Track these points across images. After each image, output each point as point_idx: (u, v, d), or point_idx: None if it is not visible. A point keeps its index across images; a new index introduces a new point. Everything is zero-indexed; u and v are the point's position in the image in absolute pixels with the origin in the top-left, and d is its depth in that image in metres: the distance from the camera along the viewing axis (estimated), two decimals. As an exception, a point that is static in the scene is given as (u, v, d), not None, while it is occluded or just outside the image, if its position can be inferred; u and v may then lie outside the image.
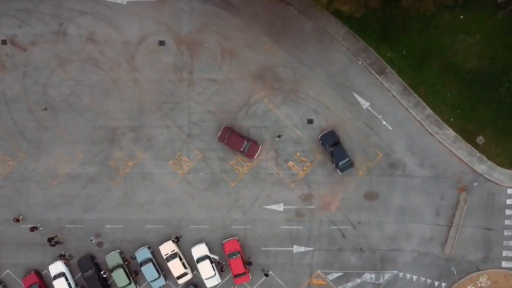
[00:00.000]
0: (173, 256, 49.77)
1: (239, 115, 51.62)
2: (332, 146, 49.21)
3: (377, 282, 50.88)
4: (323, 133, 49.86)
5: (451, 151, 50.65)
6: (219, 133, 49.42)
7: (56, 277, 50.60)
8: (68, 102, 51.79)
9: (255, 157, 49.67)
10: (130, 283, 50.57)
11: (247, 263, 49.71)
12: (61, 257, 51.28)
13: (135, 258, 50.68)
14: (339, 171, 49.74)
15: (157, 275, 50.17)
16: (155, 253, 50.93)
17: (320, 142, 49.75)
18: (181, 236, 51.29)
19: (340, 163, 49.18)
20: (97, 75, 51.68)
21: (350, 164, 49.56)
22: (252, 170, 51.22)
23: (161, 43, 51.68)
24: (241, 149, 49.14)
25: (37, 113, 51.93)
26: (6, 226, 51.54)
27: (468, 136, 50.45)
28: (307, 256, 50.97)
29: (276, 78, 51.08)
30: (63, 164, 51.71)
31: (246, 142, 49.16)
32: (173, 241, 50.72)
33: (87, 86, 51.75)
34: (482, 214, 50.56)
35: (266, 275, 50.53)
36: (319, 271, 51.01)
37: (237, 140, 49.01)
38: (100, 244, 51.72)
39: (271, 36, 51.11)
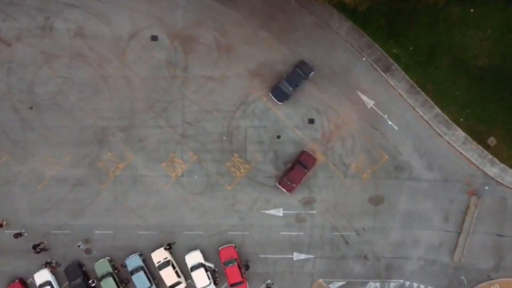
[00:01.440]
0: (165, 264, 48.23)
1: (236, 115, 50.48)
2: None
3: (382, 291, 50.29)
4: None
5: (461, 153, 49.74)
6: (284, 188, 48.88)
7: (41, 286, 48.91)
8: (55, 100, 50.48)
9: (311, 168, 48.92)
10: (120, 293, 49.48)
11: (244, 266, 48.46)
12: (47, 264, 49.64)
13: (125, 266, 49.10)
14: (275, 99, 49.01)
15: (148, 284, 48.52)
16: (147, 260, 49.51)
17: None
18: (174, 243, 49.63)
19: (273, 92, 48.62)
20: (86, 72, 50.51)
21: (283, 93, 48.41)
22: (250, 173, 50.02)
23: (154, 38, 50.54)
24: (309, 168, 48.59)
25: (22, 112, 50.70)
26: (-11, 232, 50.74)
27: (479, 137, 49.59)
28: (308, 264, 49.70)
29: (276, 76, 50.04)
30: (50, 166, 50.34)
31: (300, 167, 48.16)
32: (165, 249, 49.06)
33: (75, 83, 50.52)
34: (493, 219, 49.50)
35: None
36: (320, 280, 49.82)
37: (298, 174, 48.29)
38: (88, 251, 50.16)
39: (271, 31, 50.27)
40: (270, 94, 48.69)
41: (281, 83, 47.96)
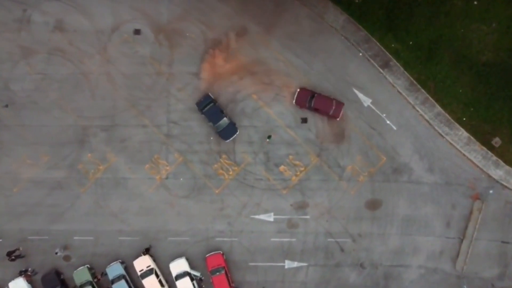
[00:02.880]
0: (148, 272, 47.16)
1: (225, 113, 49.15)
2: (204, 107, 47.45)
3: (379, 302, 48.56)
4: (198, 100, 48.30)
5: (464, 155, 48.64)
6: (295, 97, 47.52)
7: (17, 295, 47.86)
8: (32, 98, 49.54)
9: (340, 116, 47.65)
10: (100, 303, 47.59)
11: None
12: (23, 273, 48.56)
13: (106, 274, 47.94)
14: (222, 139, 48.10)
15: (130, 294, 47.17)
16: (129, 268, 48.51)
17: (199, 109, 48.23)
18: (150, 247, 48.42)
19: (216, 125, 47.33)
20: (65, 68, 49.54)
21: (231, 127, 47.57)
22: (239, 175, 48.89)
23: (137, 32, 49.63)
24: (330, 113, 47.22)
25: (-2, 110, 49.00)
26: (-39, 238, 48.96)
27: (483, 138, 48.54)
28: (300, 272, 48.48)
29: (267, 72, 48.99)
30: (27, 168, 49.31)
31: (333, 102, 47.20)
32: (143, 254, 47.67)
33: (54, 80, 49.56)
34: (498, 225, 48.30)
35: None
36: (314, 289, 48.37)
37: (324, 102, 46.90)
38: (67, 258, 49.09)
39: (262, 24, 49.12)
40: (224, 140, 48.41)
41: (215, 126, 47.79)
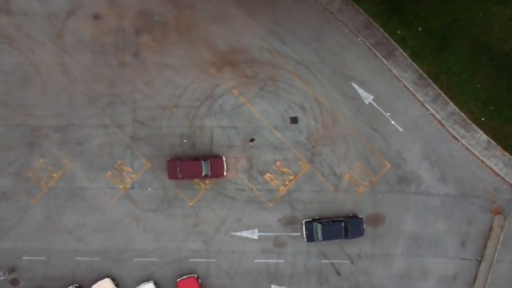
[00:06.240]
0: None
1: (200, 112, 45.97)
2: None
3: (382, 335, 46.76)
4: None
5: (482, 161, 46.07)
6: (167, 171, 44.83)
7: (-46, 326, 44.53)
8: None
9: (225, 173, 44.94)
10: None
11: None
12: None
13: None
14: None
15: (87, 325, 44.53)
16: None
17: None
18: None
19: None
20: (12, 58, 46.44)
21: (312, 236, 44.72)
22: (217, 185, 45.63)
23: (97, 16, 46.30)
24: (203, 174, 44.12)
25: None
26: None
27: (505, 141, 45.93)
28: None
29: (250, 63, 46.23)
30: None
31: (202, 162, 44.25)
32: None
33: None
34: None
35: None
36: (305, 319, 46.59)
37: (191, 166, 44.25)
38: (14, 282, 46.26)
39: (244, 7, 46.14)
40: (303, 223, 45.17)
41: (315, 225, 44.36)
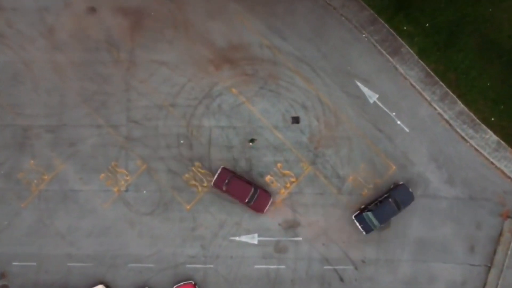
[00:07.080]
0: None
1: (198, 111, 45.37)
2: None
3: None
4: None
5: (492, 163, 45.54)
6: (215, 177, 44.54)
7: None
8: None
9: (265, 211, 44.39)
10: None
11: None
12: None
13: None
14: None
15: (80, 333, 43.35)
16: None
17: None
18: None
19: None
20: (2, 55, 45.91)
21: (367, 225, 44.50)
22: (215, 188, 44.73)
23: (91, 10, 45.83)
24: (246, 200, 43.86)
25: None
26: None
27: None
28: None
29: (250, 61, 45.79)
30: None
31: (253, 190, 44.00)
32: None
33: None
34: None
35: None
36: (307, 328, 45.73)
37: (241, 187, 44.03)
38: None
39: (243, 2, 45.92)
40: (354, 218, 44.85)
41: (366, 215, 44.12)
